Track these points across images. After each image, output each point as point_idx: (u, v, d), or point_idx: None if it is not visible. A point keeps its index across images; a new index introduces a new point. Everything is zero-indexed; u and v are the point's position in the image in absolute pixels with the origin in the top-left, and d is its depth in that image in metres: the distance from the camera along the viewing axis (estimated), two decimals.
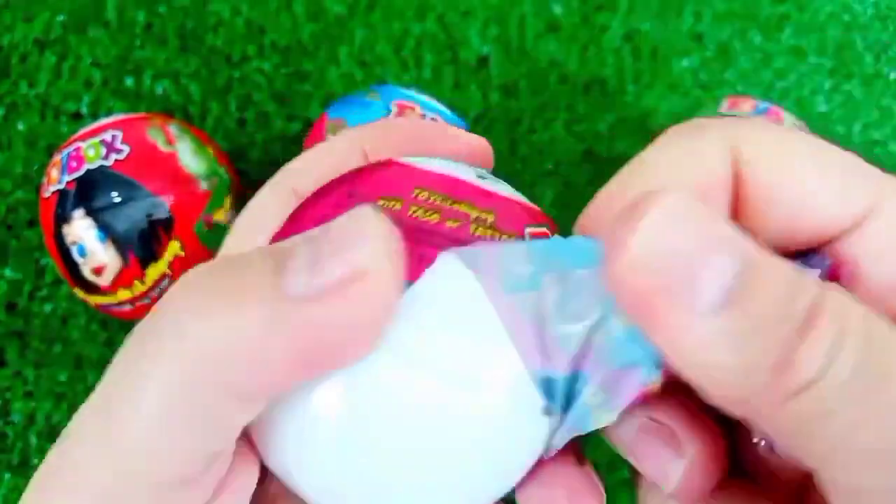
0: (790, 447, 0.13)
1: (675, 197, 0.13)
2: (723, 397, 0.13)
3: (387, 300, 0.13)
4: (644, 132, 0.41)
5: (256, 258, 0.13)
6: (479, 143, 0.18)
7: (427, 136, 0.18)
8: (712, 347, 0.12)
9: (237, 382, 0.13)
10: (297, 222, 0.16)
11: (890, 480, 0.12)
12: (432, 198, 0.15)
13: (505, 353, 0.14)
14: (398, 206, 0.15)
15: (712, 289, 0.12)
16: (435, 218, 0.15)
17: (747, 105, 0.34)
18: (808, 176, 0.15)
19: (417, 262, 0.14)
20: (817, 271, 0.15)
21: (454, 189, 0.16)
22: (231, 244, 0.18)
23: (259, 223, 0.18)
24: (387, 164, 0.17)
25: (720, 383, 0.13)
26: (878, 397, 0.12)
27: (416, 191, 0.16)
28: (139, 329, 0.14)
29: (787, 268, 0.13)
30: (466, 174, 0.17)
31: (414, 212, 0.15)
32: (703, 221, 0.13)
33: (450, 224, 0.15)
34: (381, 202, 0.15)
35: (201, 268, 0.14)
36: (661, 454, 0.16)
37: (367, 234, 0.13)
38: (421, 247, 0.14)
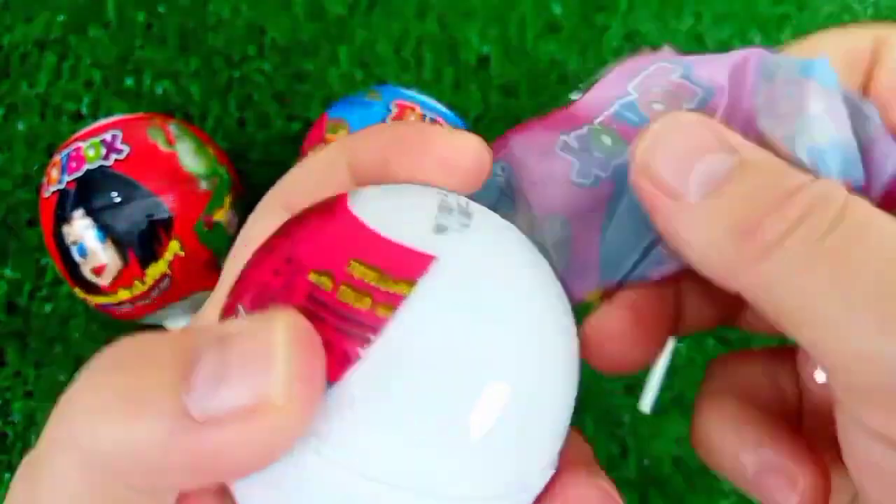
0: (769, 314, 0.15)
1: (687, 114, 0.16)
2: (713, 272, 0.15)
3: (287, 434, 0.13)
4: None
5: (165, 359, 0.13)
6: (470, 145, 0.18)
7: (413, 142, 0.18)
8: (699, 226, 0.15)
9: (141, 484, 0.13)
10: (240, 287, 0.16)
11: (860, 342, 0.13)
12: (367, 276, 0.14)
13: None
14: (329, 286, 0.14)
15: (701, 178, 0.15)
16: (366, 304, 0.14)
17: None
18: None
19: (339, 362, 0.14)
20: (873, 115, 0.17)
21: (393, 265, 0.15)
22: (230, 272, 0.18)
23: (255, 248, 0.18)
24: (332, 210, 0.16)
25: (708, 258, 0.15)
26: (843, 265, 0.14)
27: (353, 263, 0.14)
28: (45, 433, 0.14)
29: (775, 163, 0.15)
30: (422, 224, 0.15)
31: (343, 295, 0.14)
32: (705, 129, 0.15)
33: (380, 313, 0.14)
34: (312, 276, 0.14)
35: (109, 359, 0.14)
36: (781, 487, 0.18)
37: (276, 355, 0.12)
38: (344, 342, 0.14)
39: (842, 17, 0.44)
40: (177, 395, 0.12)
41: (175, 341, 0.13)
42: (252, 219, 0.19)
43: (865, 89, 0.18)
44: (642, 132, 0.16)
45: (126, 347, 0.14)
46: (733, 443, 0.19)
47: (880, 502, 0.14)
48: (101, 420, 0.13)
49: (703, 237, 0.15)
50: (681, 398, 0.37)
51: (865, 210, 0.14)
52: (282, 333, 0.13)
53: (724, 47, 0.43)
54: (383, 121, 0.34)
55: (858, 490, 0.15)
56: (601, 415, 0.36)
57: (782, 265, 0.14)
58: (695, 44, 0.43)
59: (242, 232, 0.19)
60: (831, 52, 0.18)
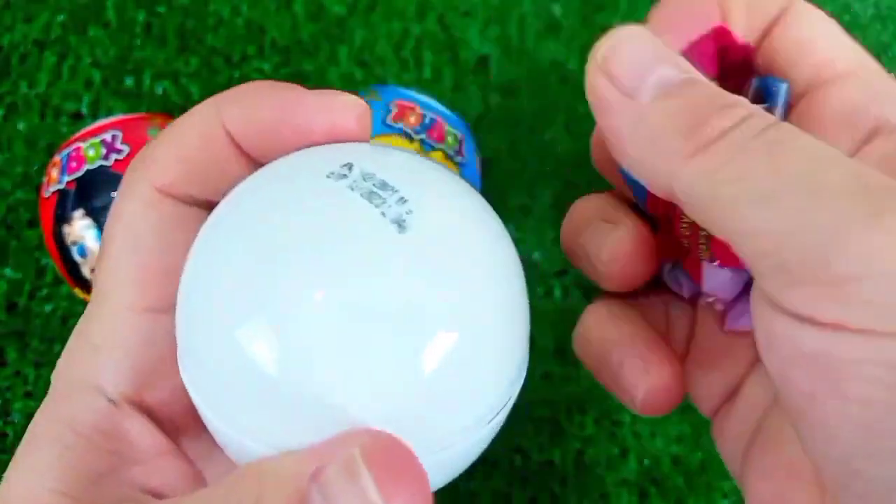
0: (701, 210, 0.16)
1: (644, 30, 0.17)
2: (650, 171, 0.17)
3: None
4: None
5: None
6: (354, 107, 0.18)
7: (300, 107, 0.18)
8: (645, 125, 0.16)
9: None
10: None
11: (790, 218, 0.14)
12: None
13: None
14: None
15: (656, 83, 0.17)
16: None
17: None
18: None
19: None
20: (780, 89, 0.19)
21: None
22: (105, 277, 0.18)
23: (130, 252, 0.18)
24: None
25: (649, 156, 0.17)
26: (777, 153, 0.15)
27: None
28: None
29: (717, 88, 0.17)
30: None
31: None
32: (661, 46, 0.17)
33: None
34: None
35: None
36: (635, 371, 0.22)
37: (366, 486, 0.14)
38: None
39: (842, 17, 0.44)
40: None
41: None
42: (121, 202, 0.18)
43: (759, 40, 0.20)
44: (607, 34, 0.18)
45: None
46: (611, 333, 0.22)
47: (805, 390, 0.15)
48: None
49: (647, 135, 0.17)
50: None
51: (795, 126, 0.16)
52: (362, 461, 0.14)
53: None
54: (383, 121, 0.34)
55: (779, 386, 0.15)
56: (601, 415, 0.36)
57: (720, 154, 0.15)
58: None
59: (113, 218, 0.18)
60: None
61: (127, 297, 0.18)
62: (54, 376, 0.19)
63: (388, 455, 0.14)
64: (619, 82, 0.17)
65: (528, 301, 0.18)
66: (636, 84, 0.17)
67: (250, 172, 0.18)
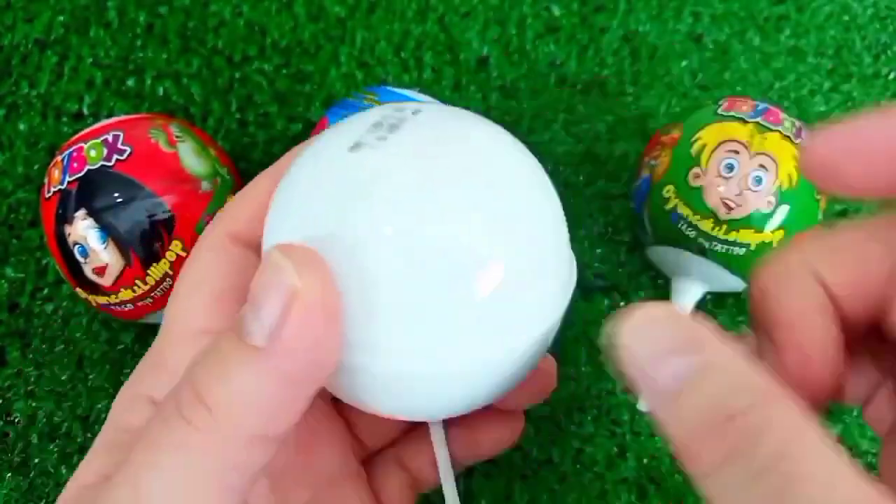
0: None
1: (652, 308, 0.16)
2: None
3: (328, 310, 0.15)
4: (643, 133, 0.41)
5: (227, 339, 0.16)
6: None
7: None
8: (665, 422, 0.16)
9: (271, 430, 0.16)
10: None
11: None
12: None
13: None
14: None
15: (667, 380, 0.15)
16: None
17: (746, 106, 0.34)
18: None
19: None
20: None
21: None
22: (175, 309, 0.21)
23: (200, 285, 0.20)
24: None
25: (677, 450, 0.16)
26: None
27: None
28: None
29: (733, 369, 0.15)
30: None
31: None
32: (670, 327, 0.16)
33: None
34: None
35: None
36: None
37: (283, 267, 0.15)
38: None
39: (841, 17, 0.44)
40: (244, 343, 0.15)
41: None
42: (197, 249, 0.21)
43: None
44: (620, 317, 0.17)
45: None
46: (800, 305, 0.19)
47: None
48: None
49: (671, 433, 0.16)
50: None
51: (797, 458, 0.14)
52: (278, 258, 0.15)
53: (723, 47, 0.44)
54: None
55: None
56: (601, 414, 0.36)
57: (719, 490, 0.15)
58: (694, 44, 0.43)
59: (188, 262, 0.21)
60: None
61: (194, 323, 0.20)
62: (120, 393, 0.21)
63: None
64: (640, 371, 0.16)
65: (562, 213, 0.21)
66: (654, 374, 0.16)
67: None
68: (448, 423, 0.25)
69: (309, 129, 0.41)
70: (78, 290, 0.33)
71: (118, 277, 0.32)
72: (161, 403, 0.16)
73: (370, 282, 0.16)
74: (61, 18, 0.43)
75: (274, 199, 0.19)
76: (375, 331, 0.16)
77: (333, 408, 0.22)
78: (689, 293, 0.35)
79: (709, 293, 0.36)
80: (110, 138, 0.33)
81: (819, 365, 0.18)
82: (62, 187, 0.32)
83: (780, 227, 0.32)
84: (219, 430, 0.15)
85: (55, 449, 0.36)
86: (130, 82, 0.42)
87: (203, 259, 0.20)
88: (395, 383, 0.17)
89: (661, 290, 0.38)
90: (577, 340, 0.38)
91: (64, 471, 0.35)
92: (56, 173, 0.33)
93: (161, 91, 0.42)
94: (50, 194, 0.33)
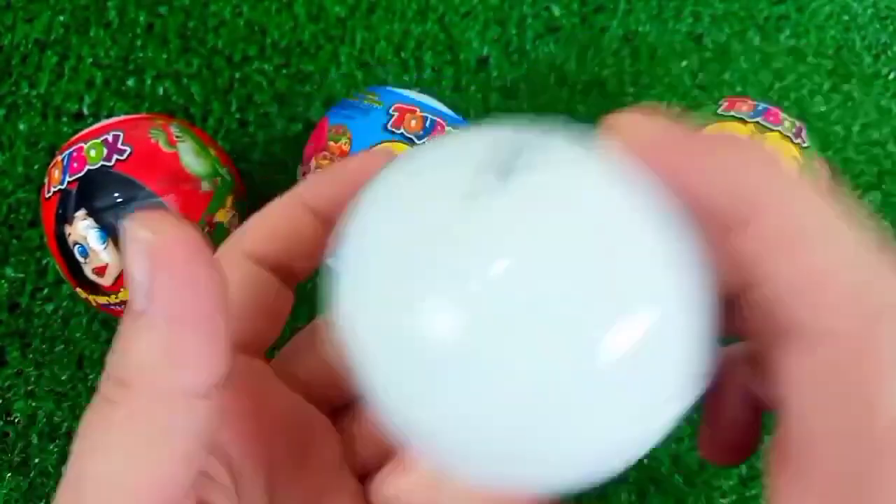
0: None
1: None
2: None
3: (189, 236, 0.15)
4: None
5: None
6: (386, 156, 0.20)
7: (363, 179, 0.18)
8: None
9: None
10: None
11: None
12: None
13: None
14: None
15: None
16: None
17: (746, 106, 0.34)
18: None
19: None
20: None
21: None
22: None
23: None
24: None
25: None
26: None
27: None
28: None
29: None
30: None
31: None
32: None
33: None
34: None
35: None
36: None
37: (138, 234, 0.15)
38: None
39: (841, 17, 0.44)
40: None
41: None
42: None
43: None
44: None
45: None
46: None
47: (816, 415, 0.14)
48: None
49: None
50: None
51: None
52: (130, 228, 0.15)
53: (723, 48, 0.44)
54: (384, 126, 0.34)
55: (797, 414, 0.15)
56: None
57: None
58: (694, 44, 0.43)
59: None
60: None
61: None
62: None
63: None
64: None
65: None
66: None
67: (325, 234, 0.20)
68: None
69: (309, 129, 0.41)
70: (78, 290, 0.33)
71: (118, 277, 0.32)
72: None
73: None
74: (61, 18, 0.43)
75: (360, 250, 0.16)
76: None
77: (331, 421, 0.22)
78: None
79: None
80: (110, 138, 0.33)
81: None
82: (62, 187, 0.32)
83: None
84: (138, 397, 0.15)
85: (55, 449, 0.36)
86: (130, 82, 0.42)
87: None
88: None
89: None
90: None
91: (64, 471, 0.35)
92: (56, 173, 0.33)
93: (161, 91, 0.42)
94: (50, 194, 0.33)
